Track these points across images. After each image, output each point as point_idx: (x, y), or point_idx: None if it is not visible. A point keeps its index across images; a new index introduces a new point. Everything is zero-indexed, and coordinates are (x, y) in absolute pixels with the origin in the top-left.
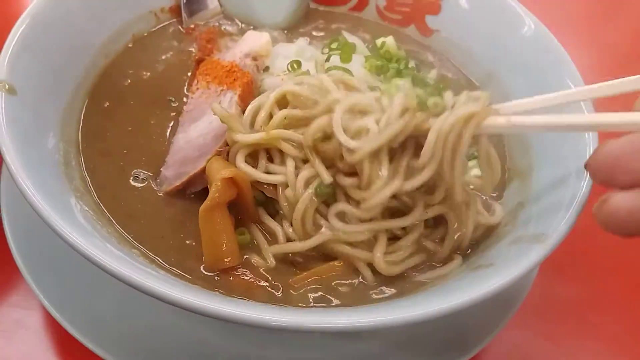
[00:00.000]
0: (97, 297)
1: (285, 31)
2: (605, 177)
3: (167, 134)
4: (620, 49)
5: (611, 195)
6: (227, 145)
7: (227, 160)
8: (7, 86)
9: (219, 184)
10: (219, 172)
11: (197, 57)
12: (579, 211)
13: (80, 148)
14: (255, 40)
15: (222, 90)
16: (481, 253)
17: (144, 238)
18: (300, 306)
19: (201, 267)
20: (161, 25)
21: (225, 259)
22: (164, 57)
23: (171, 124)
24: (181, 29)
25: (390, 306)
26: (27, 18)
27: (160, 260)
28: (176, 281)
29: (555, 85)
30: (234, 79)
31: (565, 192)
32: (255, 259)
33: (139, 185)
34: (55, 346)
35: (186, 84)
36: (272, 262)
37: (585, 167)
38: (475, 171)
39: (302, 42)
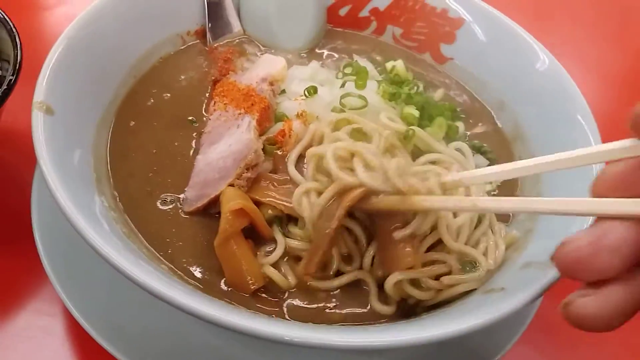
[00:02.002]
0: (122, 306)
1: (302, 53)
2: (570, 274)
3: (191, 154)
4: (624, 74)
5: (573, 298)
6: (247, 169)
7: (248, 188)
8: (45, 106)
9: (229, 215)
10: (227, 205)
11: (213, 78)
12: None
13: (109, 167)
14: (271, 65)
15: (239, 113)
16: (491, 276)
17: (172, 257)
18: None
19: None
20: (186, 45)
21: (249, 282)
22: (184, 77)
23: (193, 144)
24: (205, 48)
25: (400, 326)
26: (64, 40)
27: (187, 278)
28: (202, 295)
29: (564, 120)
30: (252, 104)
31: (574, 221)
32: (270, 271)
33: (166, 208)
34: (80, 353)
35: (204, 104)
36: (292, 280)
37: (551, 259)
38: (486, 187)
39: (314, 64)
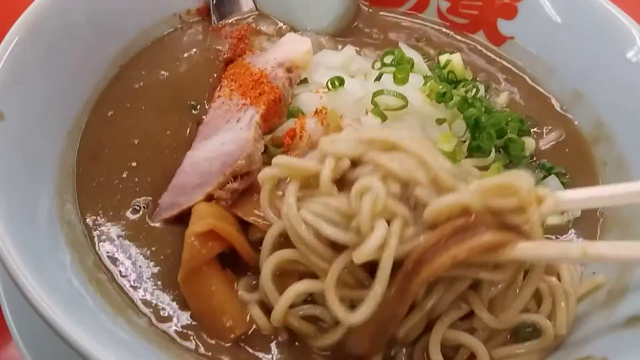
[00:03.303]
0: None
1: (338, 38)
2: None
3: (184, 147)
4: None
5: None
6: (234, 179)
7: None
8: None
9: (193, 241)
10: (192, 226)
11: (226, 57)
12: None
13: (75, 180)
14: (294, 47)
15: (243, 104)
16: (584, 333)
17: (148, 300)
18: None
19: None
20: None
21: (227, 328)
22: (187, 55)
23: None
24: (209, 27)
25: None
26: (21, 28)
27: (172, 333)
28: None
29: None
30: (260, 93)
31: None
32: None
33: (136, 217)
34: None
35: (209, 90)
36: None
37: None
38: (553, 219)
39: (349, 50)
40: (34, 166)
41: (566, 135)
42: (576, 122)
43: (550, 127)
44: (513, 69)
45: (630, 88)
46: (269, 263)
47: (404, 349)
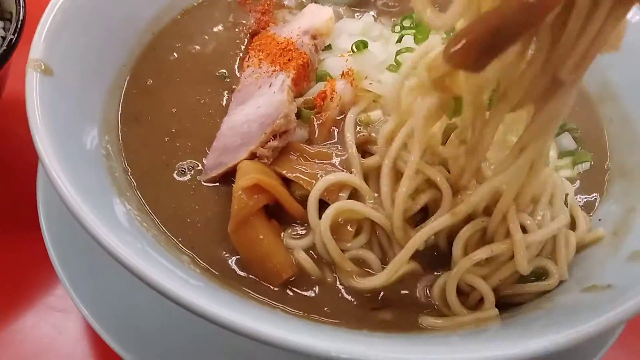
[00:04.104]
0: (136, 302)
1: (355, 9)
2: None
3: (219, 113)
4: None
5: None
6: (274, 137)
7: (273, 160)
8: (42, 66)
9: (241, 194)
10: (238, 182)
11: (251, 30)
12: None
13: (120, 137)
14: (316, 16)
15: (274, 70)
16: (590, 268)
17: (192, 242)
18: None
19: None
20: None
21: (277, 272)
22: (215, 29)
23: (224, 102)
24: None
25: (498, 335)
26: None
27: (213, 270)
28: (231, 298)
29: None
30: (289, 59)
31: None
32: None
33: (184, 178)
34: (94, 352)
35: (238, 58)
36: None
37: None
38: (565, 172)
39: (368, 18)
40: (80, 119)
41: None
42: (583, 83)
43: None
44: None
45: (633, 48)
46: (327, 216)
47: (422, 286)
